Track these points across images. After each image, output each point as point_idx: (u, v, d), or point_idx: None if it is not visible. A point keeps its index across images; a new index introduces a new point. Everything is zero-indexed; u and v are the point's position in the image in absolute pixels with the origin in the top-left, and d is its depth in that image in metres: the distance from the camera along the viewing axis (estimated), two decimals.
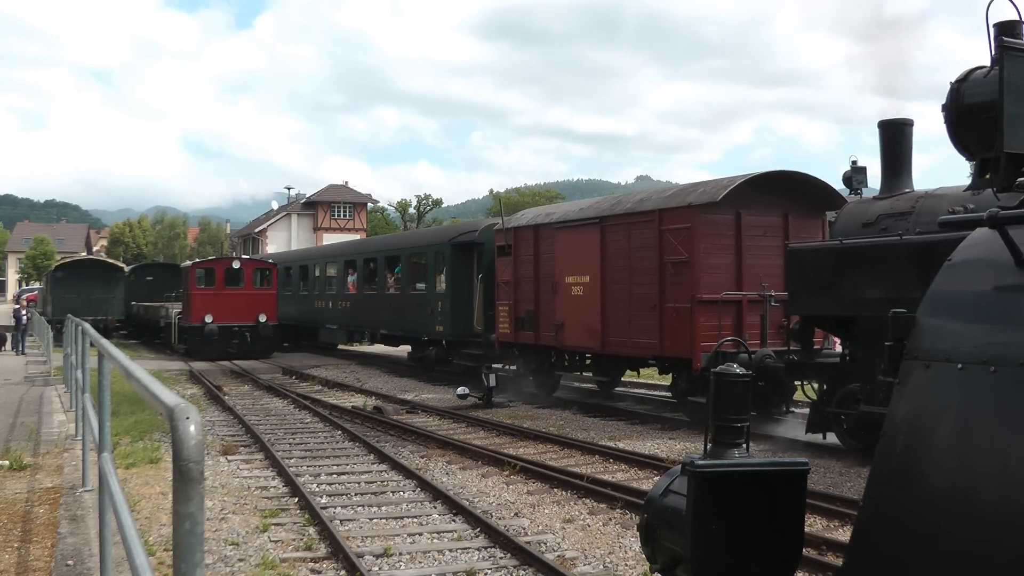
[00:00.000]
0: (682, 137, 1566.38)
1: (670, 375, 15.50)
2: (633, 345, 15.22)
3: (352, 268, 28.06)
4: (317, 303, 30.87)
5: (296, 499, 9.53)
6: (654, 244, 14.71)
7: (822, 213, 15.00)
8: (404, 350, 26.55)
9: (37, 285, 65.14)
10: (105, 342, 4.87)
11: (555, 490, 10.08)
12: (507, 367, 19.50)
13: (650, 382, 19.73)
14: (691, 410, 14.44)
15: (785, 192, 14.79)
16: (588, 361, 17.71)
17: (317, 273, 31.65)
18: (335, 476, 10.93)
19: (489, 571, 7.12)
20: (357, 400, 18.37)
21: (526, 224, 18.49)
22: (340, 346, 33.18)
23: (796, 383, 13.31)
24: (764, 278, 13.70)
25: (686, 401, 14.64)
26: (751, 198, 14.40)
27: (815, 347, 12.70)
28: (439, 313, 21.19)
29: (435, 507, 9.21)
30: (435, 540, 8.03)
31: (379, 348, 30.05)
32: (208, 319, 28.60)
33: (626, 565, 7.32)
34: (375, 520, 8.76)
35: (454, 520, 8.69)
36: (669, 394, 16.08)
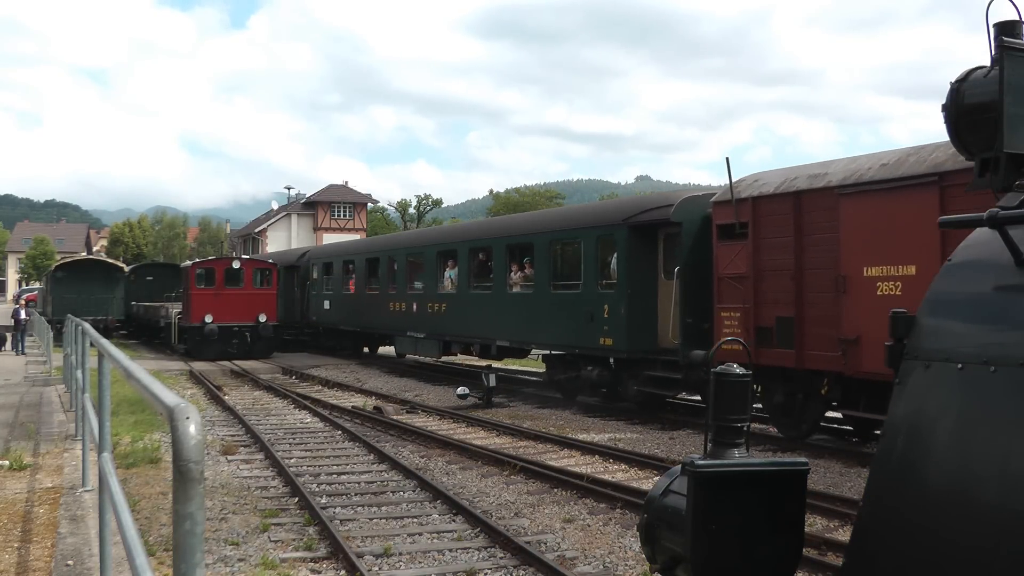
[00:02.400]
0: (680, 137, 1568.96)
1: None
2: None
3: (450, 260, 22.12)
4: (393, 305, 24.59)
5: (296, 499, 9.53)
6: None
7: None
8: (508, 364, 23.00)
9: (37, 285, 65.18)
10: (105, 342, 4.87)
11: (555, 490, 10.09)
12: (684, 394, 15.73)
13: None
14: None
15: None
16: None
17: (395, 267, 25.13)
18: (335, 476, 10.93)
19: (489, 571, 7.12)
20: (357, 400, 18.38)
21: (776, 191, 12.76)
22: (409, 355, 26.10)
23: None
24: None
25: None
26: None
27: None
28: (605, 320, 15.76)
29: (435, 507, 9.22)
30: (435, 540, 8.04)
31: (463, 359, 24.25)
32: (208, 319, 28.60)
33: (626, 565, 7.33)
34: (375, 520, 8.76)
35: (454, 520, 8.70)
36: None
